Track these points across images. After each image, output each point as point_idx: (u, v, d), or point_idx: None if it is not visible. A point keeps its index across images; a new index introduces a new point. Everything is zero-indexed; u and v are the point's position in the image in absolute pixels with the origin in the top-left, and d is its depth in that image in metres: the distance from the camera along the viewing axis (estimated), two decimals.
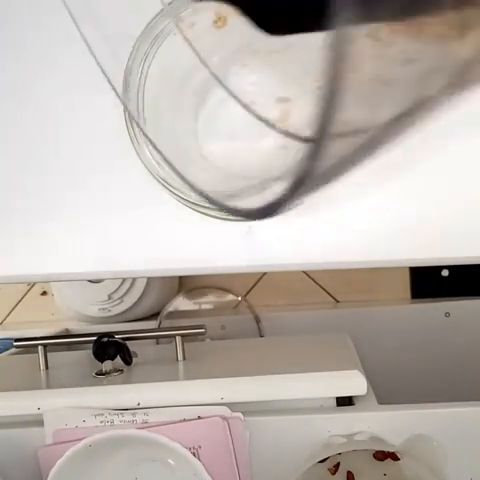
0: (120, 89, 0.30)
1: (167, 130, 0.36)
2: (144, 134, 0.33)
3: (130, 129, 0.34)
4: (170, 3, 0.31)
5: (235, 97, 0.23)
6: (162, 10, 0.29)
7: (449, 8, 0.18)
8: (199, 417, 0.44)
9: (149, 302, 0.87)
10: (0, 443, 0.46)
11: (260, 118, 0.24)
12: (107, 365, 0.51)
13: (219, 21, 0.30)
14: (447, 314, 0.80)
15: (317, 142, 0.16)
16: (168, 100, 0.36)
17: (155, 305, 0.88)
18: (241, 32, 0.25)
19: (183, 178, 0.33)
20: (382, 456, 0.44)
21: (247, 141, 0.36)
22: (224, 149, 0.37)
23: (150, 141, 0.33)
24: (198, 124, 0.37)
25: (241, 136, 0.36)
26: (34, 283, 1.00)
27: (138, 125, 0.34)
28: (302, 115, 0.26)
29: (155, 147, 0.33)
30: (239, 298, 0.90)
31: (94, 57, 0.24)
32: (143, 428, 0.43)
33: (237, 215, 0.21)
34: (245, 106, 0.24)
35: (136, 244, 0.38)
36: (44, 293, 1.01)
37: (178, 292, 0.93)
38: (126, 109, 0.34)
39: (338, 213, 0.36)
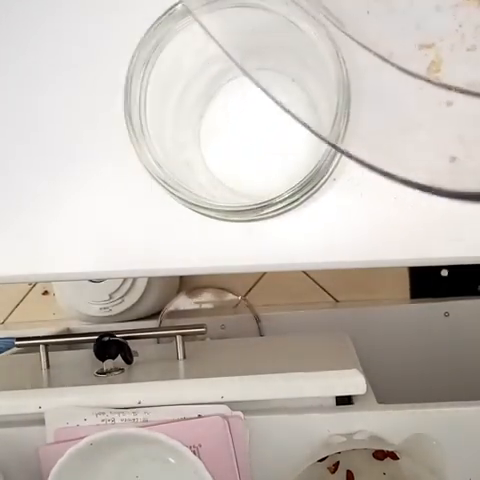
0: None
1: (169, 138, 0.36)
2: (145, 142, 0.34)
3: (130, 130, 0.34)
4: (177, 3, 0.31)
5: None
6: (162, 16, 0.29)
7: None
8: (199, 416, 0.44)
9: (150, 301, 0.87)
10: (1, 442, 0.46)
11: (410, 73, 0.21)
12: (108, 364, 0.51)
13: None
14: (446, 314, 0.80)
15: None
16: (170, 107, 0.36)
17: (156, 304, 0.89)
18: None
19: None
20: (381, 455, 0.44)
21: (250, 156, 0.37)
22: (227, 163, 0.37)
23: (149, 151, 0.34)
24: (200, 134, 0.38)
25: (245, 152, 0.37)
26: (35, 283, 1.00)
27: (139, 130, 0.34)
28: (458, 58, 0.23)
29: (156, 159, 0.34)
30: (239, 298, 0.91)
31: None
32: (144, 427, 0.43)
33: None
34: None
35: (136, 244, 0.38)
36: (45, 293, 1.01)
37: (178, 292, 0.93)
38: (127, 111, 0.34)
39: (338, 213, 0.36)
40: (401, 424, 0.43)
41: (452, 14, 0.23)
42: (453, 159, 0.21)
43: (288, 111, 0.23)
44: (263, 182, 0.37)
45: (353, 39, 0.22)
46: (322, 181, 0.34)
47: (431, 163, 0.21)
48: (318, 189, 0.34)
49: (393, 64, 0.21)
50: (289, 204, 0.34)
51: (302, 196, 0.34)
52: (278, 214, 0.34)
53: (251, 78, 0.21)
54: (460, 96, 0.20)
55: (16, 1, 0.38)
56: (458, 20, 0.23)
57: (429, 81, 0.21)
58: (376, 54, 0.22)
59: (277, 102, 0.23)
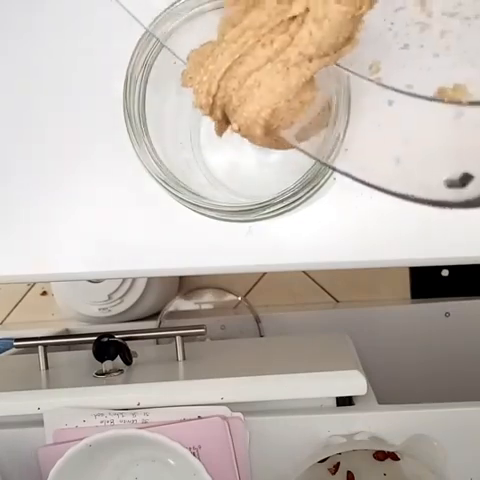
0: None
1: (169, 138, 0.36)
2: (145, 141, 0.34)
3: (130, 130, 0.34)
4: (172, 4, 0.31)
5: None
6: (162, 14, 0.29)
7: None
8: (199, 417, 0.44)
9: (149, 302, 0.87)
10: (0, 443, 0.46)
11: (355, 73, 0.22)
12: (107, 365, 0.51)
13: None
14: (447, 314, 0.80)
15: None
16: (170, 107, 0.36)
17: (155, 305, 0.88)
18: None
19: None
20: (382, 456, 0.44)
21: (250, 156, 0.37)
22: (227, 165, 0.37)
23: (149, 151, 0.34)
24: (200, 134, 0.38)
25: (245, 152, 0.37)
26: (34, 283, 1.00)
27: (139, 130, 0.34)
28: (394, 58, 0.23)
29: (155, 158, 0.34)
30: (239, 298, 0.90)
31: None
32: (143, 428, 0.43)
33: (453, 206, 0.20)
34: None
35: (136, 244, 0.38)
36: (44, 293, 1.01)
37: (178, 292, 0.93)
38: (127, 114, 0.34)
39: (338, 213, 0.36)
40: (402, 425, 0.43)
41: (382, 13, 0.23)
42: (397, 161, 0.22)
43: None
44: (263, 182, 0.37)
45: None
46: (322, 181, 0.34)
47: (379, 165, 0.22)
48: (318, 189, 0.34)
49: (338, 65, 0.22)
50: (289, 204, 0.34)
51: (302, 196, 0.34)
52: (278, 214, 0.34)
53: None
54: (400, 96, 0.21)
55: (17, 1, 0.38)
56: (389, 19, 0.24)
57: (371, 81, 0.22)
58: None
59: None
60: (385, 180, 0.21)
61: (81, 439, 0.42)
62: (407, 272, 0.91)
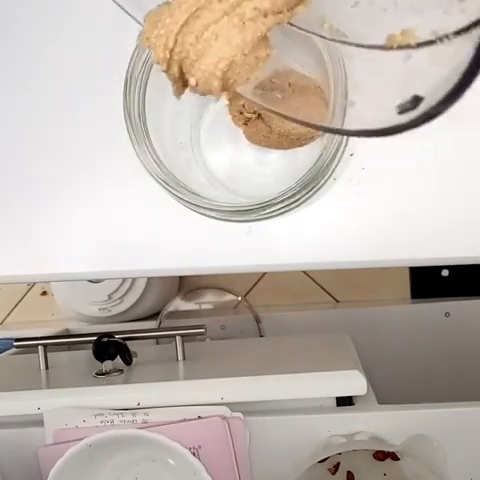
0: None
1: (169, 138, 0.36)
2: (145, 142, 0.34)
3: (130, 130, 0.34)
4: None
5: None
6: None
7: None
8: (199, 417, 0.44)
9: (149, 302, 0.87)
10: (0, 443, 0.46)
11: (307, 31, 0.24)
12: (107, 365, 0.51)
13: None
14: (447, 314, 0.80)
15: None
16: (170, 107, 0.36)
17: (155, 305, 0.88)
18: None
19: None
20: (382, 456, 0.44)
21: (250, 156, 0.37)
22: (227, 165, 0.37)
23: (149, 151, 0.34)
24: (200, 133, 0.38)
25: (245, 152, 0.37)
26: (34, 283, 1.00)
27: (139, 131, 0.34)
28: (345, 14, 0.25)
29: (154, 158, 0.34)
30: (239, 298, 0.90)
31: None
32: (143, 428, 0.43)
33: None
34: None
35: (136, 244, 0.38)
36: (44, 293, 1.01)
37: (178, 292, 0.93)
38: (127, 114, 0.34)
39: (338, 213, 0.36)
40: (402, 425, 0.43)
41: None
42: (352, 104, 0.24)
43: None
44: (263, 182, 0.37)
45: None
46: (322, 181, 0.34)
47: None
48: (318, 189, 0.34)
49: (291, 24, 0.23)
50: (289, 204, 0.34)
51: (302, 196, 0.34)
52: (278, 214, 0.34)
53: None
54: (351, 48, 0.23)
55: (17, 1, 0.38)
56: None
57: (324, 37, 0.24)
58: None
59: None
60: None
61: (81, 439, 0.42)
62: (407, 272, 0.91)
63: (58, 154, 0.38)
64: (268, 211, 0.33)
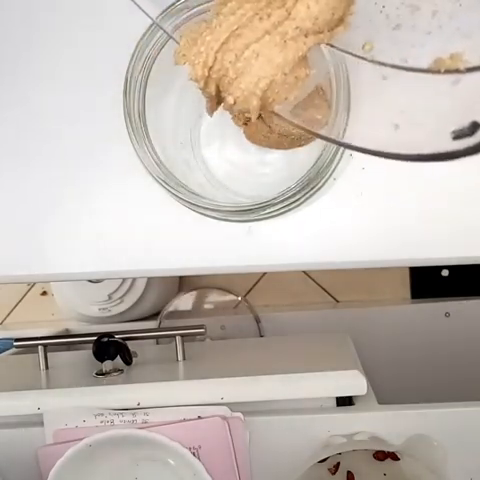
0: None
1: (169, 138, 0.36)
2: (145, 142, 0.34)
3: (130, 130, 0.34)
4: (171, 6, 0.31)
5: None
6: (161, 14, 0.29)
7: None
8: (199, 417, 0.44)
9: (149, 302, 0.87)
10: (0, 443, 0.46)
11: (348, 52, 0.23)
12: (107, 365, 0.50)
13: None
14: (447, 314, 0.80)
15: None
16: (170, 107, 0.36)
17: (155, 305, 0.88)
18: None
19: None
20: (382, 456, 0.44)
21: (250, 156, 0.37)
22: (227, 165, 0.37)
23: (149, 151, 0.34)
24: (200, 133, 0.38)
25: (245, 151, 0.37)
26: (34, 283, 1.00)
27: (139, 130, 0.34)
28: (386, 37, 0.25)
29: (154, 157, 0.34)
30: (239, 298, 0.90)
31: None
32: (143, 428, 0.43)
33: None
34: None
35: (136, 244, 0.38)
36: (44, 293, 1.01)
37: (178, 292, 0.93)
38: (127, 114, 0.34)
39: (338, 213, 0.36)
40: (402, 425, 0.43)
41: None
42: (396, 127, 0.23)
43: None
44: (263, 182, 0.37)
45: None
46: (322, 181, 0.34)
47: (378, 132, 0.23)
48: (318, 189, 0.34)
49: (331, 45, 0.23)
50: (289, 204, 0.34)
51: (302, 196, 0.34)
52: (278, 214, 0.34)
53: None
54: (395, 71, 0.22)
55: (18, 1, 0.38)
56: (380, 2, 0.25)
57: (364, 59, 0.23)
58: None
59: None
60: (385, 145, 0.22)
61: (81, 439, 0.42)
62: (407, 272, 0.91)
63: (58, 154, 0.38)
64: (268, 211, 0.33)
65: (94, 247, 0.38)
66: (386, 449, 0.43)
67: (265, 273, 0.92)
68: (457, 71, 0.20)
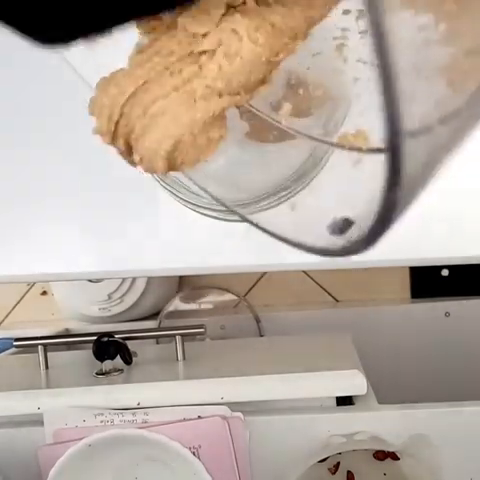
0: None
1: None
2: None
3: None
4: None
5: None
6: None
7: None
8: (199, 417, 0.44)
9: (149, 302, 0.87)
10: (0, 442, 0.46)
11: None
12: (107, 365, 0.51)
13: None
14: (447, 314, 0.80)
15: (393, 147, 0.13)
16: None
17: (155, 305, 0.88)
18: None
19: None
20: (382, 456, 0.44)
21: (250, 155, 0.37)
22: (227, 165, 0.37)
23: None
24: None
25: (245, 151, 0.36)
26: (34, 283, 1.00)
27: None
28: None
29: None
30: (239, 298, 0.90)
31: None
32: (143, 428, 0.43)
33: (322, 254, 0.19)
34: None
35: (136, 244, 0.38)
36: (44, 293, 1.01)
37: (178, 292, 0.93)
38: None
39: None
40: (401, 424, 0.43)
41: (298, 57, 0.23)
42: (293, 207, 0.21)
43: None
44: (263, 182, 0.37)
45: None
46: (314, 174, 0.34)
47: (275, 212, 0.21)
48: (309, 182, 0.34)
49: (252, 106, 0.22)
50: (281, 197, 0.33)
51: (294, 189, 0.33)
52: (272, 207, 0.34)
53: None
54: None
55: None
56: (305, 63, 0.23)
57: (276, 122, 0.22)
58: None
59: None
60: (280, 228, 0.20)
61: (81, 439, 0.42)
62: (407, 272, 0.91)
63: (58, 154, 0.38)
64: (265, 203, 0.33)
65: (94, 247, 0.38)
66: (386, 449, 0.43)
67: (265, 273, 0.92)
68: (360, 149, 0.19)
